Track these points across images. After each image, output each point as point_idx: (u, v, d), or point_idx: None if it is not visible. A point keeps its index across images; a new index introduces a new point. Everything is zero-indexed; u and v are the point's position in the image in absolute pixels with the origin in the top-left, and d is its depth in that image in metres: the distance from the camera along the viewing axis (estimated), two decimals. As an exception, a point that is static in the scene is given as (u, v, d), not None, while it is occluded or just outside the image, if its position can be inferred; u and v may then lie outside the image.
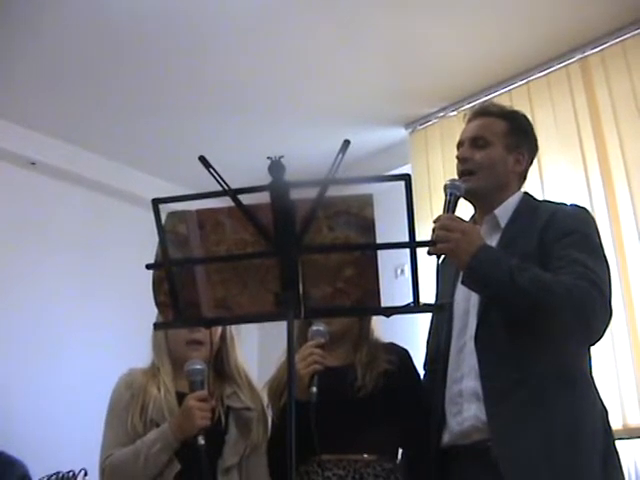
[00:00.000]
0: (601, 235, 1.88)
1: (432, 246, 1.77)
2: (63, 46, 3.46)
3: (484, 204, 1.98)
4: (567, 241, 1.78)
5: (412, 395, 1.96)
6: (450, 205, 1.87)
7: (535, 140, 2.08)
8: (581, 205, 1.98)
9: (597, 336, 1.75)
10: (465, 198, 1.95)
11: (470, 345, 1.84)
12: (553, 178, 3.53)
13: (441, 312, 1.95)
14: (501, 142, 1.97)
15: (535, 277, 1.70)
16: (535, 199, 2.02)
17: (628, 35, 3.40)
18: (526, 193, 2.03)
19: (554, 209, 1.91)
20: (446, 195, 1.89)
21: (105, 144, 4.28)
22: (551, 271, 1.74)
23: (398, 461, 1.99)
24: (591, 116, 3.46)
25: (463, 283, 1.80)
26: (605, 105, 3.41)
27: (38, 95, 3.82)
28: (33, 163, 4.14)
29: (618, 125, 3.35)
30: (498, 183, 1.96)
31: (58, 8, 3.20)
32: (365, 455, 1.90)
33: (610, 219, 3.27)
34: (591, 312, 1.69)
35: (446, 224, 1.79)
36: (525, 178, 2.07)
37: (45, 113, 3.97)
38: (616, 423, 3.01)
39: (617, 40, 3.43)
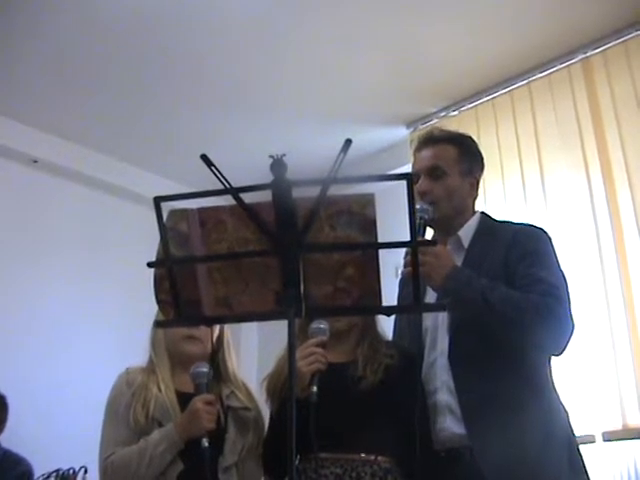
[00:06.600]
0: (557, 251, 1.98)
1: (433, 245, 1.84)
2: (65, 44, 3.46)
3: (445, 228, 2.06)
4: (529, 261, 1.90)
5: (410, 393, 1.95)
6: (420, 228, 1.94)
7: (482, 160, 2.16)
8: (538, 225, 2.07)
9: (563, 346, 1.85)
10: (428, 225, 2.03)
11: (442, 360, 1.92)
12: (554, 178, 3.53)
13: (442, 311, 1.96)
14: (456, 169, 2.05)
15: (505, 295, 1.81)
16: (492, 219, 2.11)
17: (630, 36, 3.40)
18: (483, 213, 2.12)
19: (514, 231, 2.02)
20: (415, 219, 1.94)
21: (107, 142, 4.29)
22: (517, 289, 1.84)
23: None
24: (593, 116, 3.46)
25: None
26: (607, 105, 3.42)
27: (40, 93, 3.83)
28: (35, 161, 4.15)
29: (619, 125, 3.35)
30: (458, 210, 2.05)
31: (60, 7, 3.20)
32: (362, 454, 1.89)
33: (611, 219, 3.27)
34: (557, 325, 1.81)
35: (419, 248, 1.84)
36: (477, 196, 2.15)
37: (47, 111, 3.97)
38: (616, 424, 3.02)
39: (619, 41, 3.44)
